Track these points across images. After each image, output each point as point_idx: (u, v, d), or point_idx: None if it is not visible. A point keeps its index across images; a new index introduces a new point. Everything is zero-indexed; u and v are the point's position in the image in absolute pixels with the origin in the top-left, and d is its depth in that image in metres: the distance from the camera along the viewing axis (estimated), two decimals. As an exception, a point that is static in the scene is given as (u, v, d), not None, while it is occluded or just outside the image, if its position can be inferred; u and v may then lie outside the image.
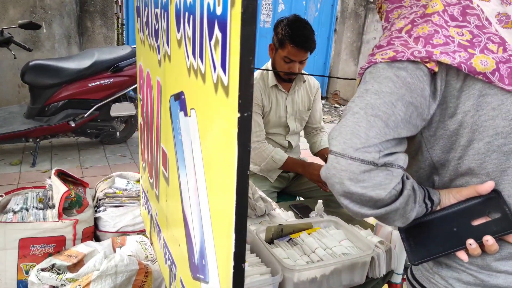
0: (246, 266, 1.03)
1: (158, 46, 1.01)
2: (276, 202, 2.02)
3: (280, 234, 1.25)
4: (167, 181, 1.02)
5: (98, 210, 1.98)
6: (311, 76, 2.13)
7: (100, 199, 2.01)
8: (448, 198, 0.77)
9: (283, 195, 2.17)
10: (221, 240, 0.63)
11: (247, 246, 1.17)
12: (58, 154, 3.80)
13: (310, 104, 2.13)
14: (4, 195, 1.95)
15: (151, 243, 1.53)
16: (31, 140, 3.48)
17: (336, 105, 7.36)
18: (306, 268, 1.05)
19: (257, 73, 2.04)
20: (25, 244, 1.76)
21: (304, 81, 2.08)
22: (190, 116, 0.77)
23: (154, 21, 1.03)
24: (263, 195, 1.65)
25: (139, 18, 1.24)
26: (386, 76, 0.71)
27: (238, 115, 0.53)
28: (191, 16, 0.71)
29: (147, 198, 1.43)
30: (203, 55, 0.67)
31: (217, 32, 0.60)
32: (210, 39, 0.63)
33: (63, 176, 2.07)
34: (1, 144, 3.56)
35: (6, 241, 1.73)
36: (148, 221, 1.44)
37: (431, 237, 0.77)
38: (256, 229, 1.22)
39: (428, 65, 0.71)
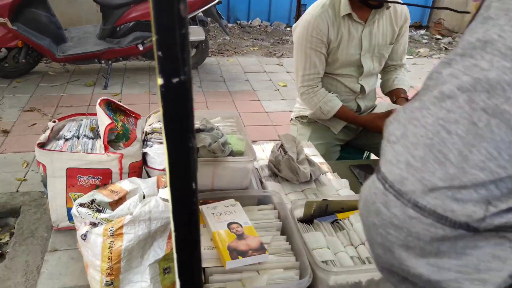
0: (268, 255, 0.79)
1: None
2: (338, 159, 1.72)
3: (325, 211, 0.97)
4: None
5: (146, 144, 1.88)
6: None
7: (148, 133, 1.89)
8: None
9: (349, 149, 1.83)
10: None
11: (279, 225, 0.93)
12: (130, 78, 3.81)
13: (394, 37, 1.67)
14: (57, 120, 1.93)
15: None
16: (103, 62, 3.49)
17: (438, 36, 6.35)
18: (346, 271, 0.78)
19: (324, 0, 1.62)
20: (72, 174, 1.74)
21: (388, 7, 1.60)
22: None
23: None
24: (316, 153, 1.35)
25: None
26: None
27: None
28: None
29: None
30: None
31: None
32: None
33: (116, 105, 1.97)
34: (78, 65, 3.64)
35: (54, 169, 1.72)
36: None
37: None
38: (292, 202, 0.96)
39: None
